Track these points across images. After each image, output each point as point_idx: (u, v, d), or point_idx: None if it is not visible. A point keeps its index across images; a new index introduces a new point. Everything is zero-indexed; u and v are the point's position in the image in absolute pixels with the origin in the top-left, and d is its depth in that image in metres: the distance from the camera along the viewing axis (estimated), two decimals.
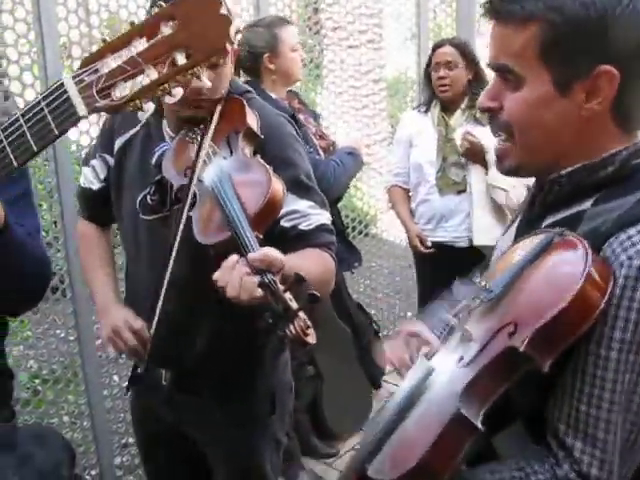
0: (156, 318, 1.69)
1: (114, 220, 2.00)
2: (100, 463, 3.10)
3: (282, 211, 1.58)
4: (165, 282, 1.65)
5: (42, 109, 1.05)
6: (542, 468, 1.01)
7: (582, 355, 0.98)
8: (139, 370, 1.80)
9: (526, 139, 1.09)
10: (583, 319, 0.94)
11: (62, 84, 1.04)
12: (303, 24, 4.17)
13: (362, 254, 4.37)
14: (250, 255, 1.33)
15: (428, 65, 3.34)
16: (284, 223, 1.65)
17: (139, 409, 2.08)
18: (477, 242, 3.23)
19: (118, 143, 1.86)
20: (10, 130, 1.07)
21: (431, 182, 3.32)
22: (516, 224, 1.26)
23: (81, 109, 1.04)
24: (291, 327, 1.21)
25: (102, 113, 2.64)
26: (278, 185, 1.50)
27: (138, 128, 1.83)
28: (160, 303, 1.67)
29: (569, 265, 0.98)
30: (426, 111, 3.37)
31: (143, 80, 1.02)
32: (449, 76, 3.23)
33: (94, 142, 2.04)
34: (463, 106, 3.29)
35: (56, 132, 1.06)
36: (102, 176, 1.91)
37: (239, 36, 2.83)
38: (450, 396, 1.00)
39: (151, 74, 1.02)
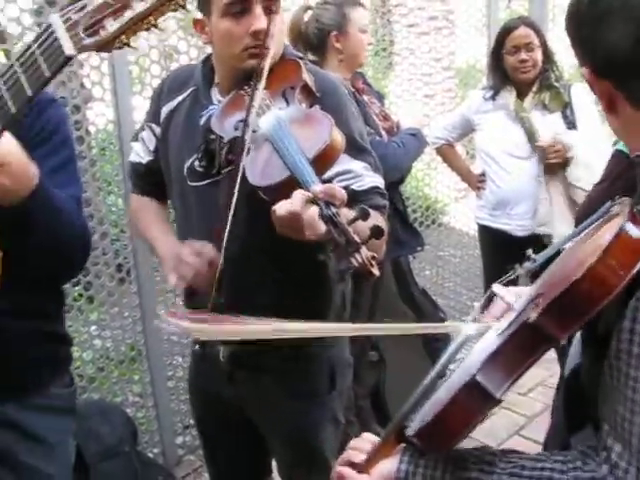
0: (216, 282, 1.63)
1: (169, 195, 1.92)
2: (162, 441, 3.14)
3: (335, 170, 1.53)
4: (224, 242, 1.59)
5: (34, 52, 1.04)
6: (586, 466, 0.93)
7: (613, 351, 0.88)
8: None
9: None
10: (603, 291, 0.85)
11: (50, 25, 1.02)
12: (372, 8, 4.12)
13: (431, 242, 4.33)
14: (313, 187, 1.29)
15: (499, 48, 3.17)
16: (336, 183, 1.55)
17: (198, 389, 2.05)
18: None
19: (165, 110, 1.82)
20: (7, 76, 1.06)
21: (499, 168, 3.22)
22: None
23: (68, 48, 1.02)
24: (357, 256, 1.17)
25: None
26: (338, 135, 1.45)
27: (186, 95, 1.79)
28: (220, 264, 1.61)
29: (604, 234, 0.90)
30: (493, 96, 3.24)
31: (129, 14, 0.99)
32: (531, 58, 3.07)
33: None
34: (535, 89, 3.15)
35: (48, 74, 1.04)
36: (151, 147, 1.87)
37: (309, 13, 2.79)
38: (476, 362, 0.99)
39: (137, 7, 0.98)
